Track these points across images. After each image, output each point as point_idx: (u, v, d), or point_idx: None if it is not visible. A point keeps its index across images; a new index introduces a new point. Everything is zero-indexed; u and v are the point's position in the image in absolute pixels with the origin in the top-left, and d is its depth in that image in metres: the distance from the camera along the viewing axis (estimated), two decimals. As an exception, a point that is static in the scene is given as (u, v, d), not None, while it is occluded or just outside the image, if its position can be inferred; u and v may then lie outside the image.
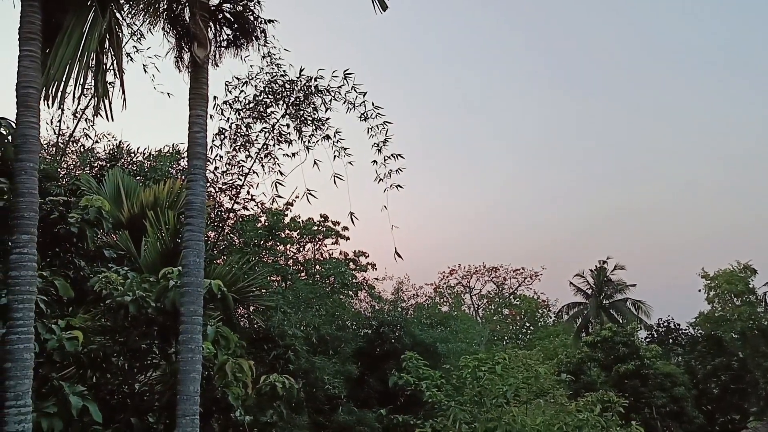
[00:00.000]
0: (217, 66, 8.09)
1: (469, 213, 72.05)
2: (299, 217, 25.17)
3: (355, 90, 13.43)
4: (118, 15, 7.58)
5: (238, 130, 14.98)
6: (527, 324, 50.15)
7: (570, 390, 19.11)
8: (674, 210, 67.79)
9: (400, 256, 11.42)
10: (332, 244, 26.34)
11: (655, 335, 39.70)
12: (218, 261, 14.97)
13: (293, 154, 14.60)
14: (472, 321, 39.89)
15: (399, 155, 12.55)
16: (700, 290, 38.23)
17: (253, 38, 8.06)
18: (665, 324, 39.83)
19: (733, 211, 64.63)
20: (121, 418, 7.35)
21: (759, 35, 67.21)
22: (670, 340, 39.45)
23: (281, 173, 14.77)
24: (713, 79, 67.87)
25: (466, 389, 14.50)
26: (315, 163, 13.25)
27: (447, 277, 50.19)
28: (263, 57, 14.00)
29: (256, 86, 14.79)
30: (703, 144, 67.45)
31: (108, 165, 16.30)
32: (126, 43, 14.24)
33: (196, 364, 6.37)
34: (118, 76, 7.45)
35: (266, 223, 21.43)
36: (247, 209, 17.66)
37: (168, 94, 14.76)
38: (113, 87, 8.21)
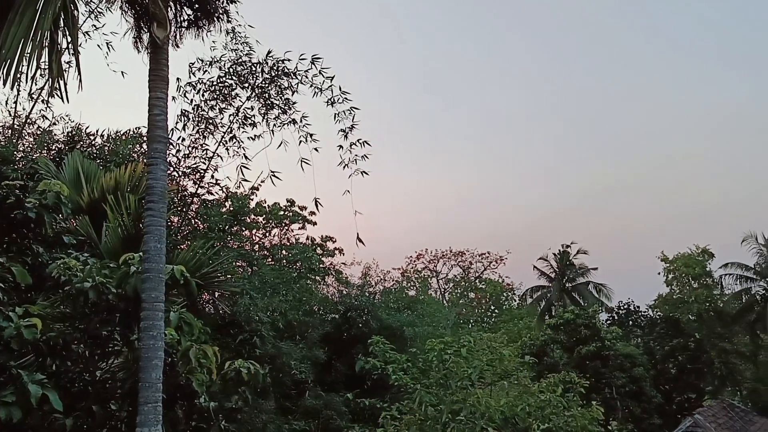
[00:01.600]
0: (178, 47, 7.90)
1: (436, 198, 72.63)
2: (265, 202, 24.96)
3: (322, 74, 13.28)
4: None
5: (202, 113, 14.69)
6: (492, 307, 50.87)
7: (533, 371, 19.47)
8: (636, 195, 69.40)
9: (362, 242, 11.43)
10: (299, 229, 26.22)
11: (616, 317, 40.61)
12: (182, 246, 14.75)
13: (257, 137, 14.39)
14: (438, 305, 40.27)
15: (365, 142, 12.52)
16: (659, 273, 39.29)
17: (215, 19, 7.89)
18: (625, 306, 40.77)
19: (692, 195, 66.37)
20: (82, 406, 7.20)
21: (732, 19, 68.55)
22: (630, 322, 40.40)
23: (246, 157, 14.58)
24: (682, 67, 69.24)
25: (432, 372, 14.66)
26: (281, 143, 13.13)
27: (414, 261, 50.53)
28: (227, 33, 13.83)
29: (221, 68, 14.52)
30: (665, 131, 68.92)
31: (66, 148, 15.89)
32: (84, 22, 13.86)
33: (158, 350, 6.28)
34: (73, 55, 7.22)
35: (231, 208, 21.19)
36: (212, 194, 17.43)
37: (122, 73, 14.40)
38: (69, 67, 7.95)
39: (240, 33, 13.87)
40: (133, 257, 7.15)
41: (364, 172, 12.37)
